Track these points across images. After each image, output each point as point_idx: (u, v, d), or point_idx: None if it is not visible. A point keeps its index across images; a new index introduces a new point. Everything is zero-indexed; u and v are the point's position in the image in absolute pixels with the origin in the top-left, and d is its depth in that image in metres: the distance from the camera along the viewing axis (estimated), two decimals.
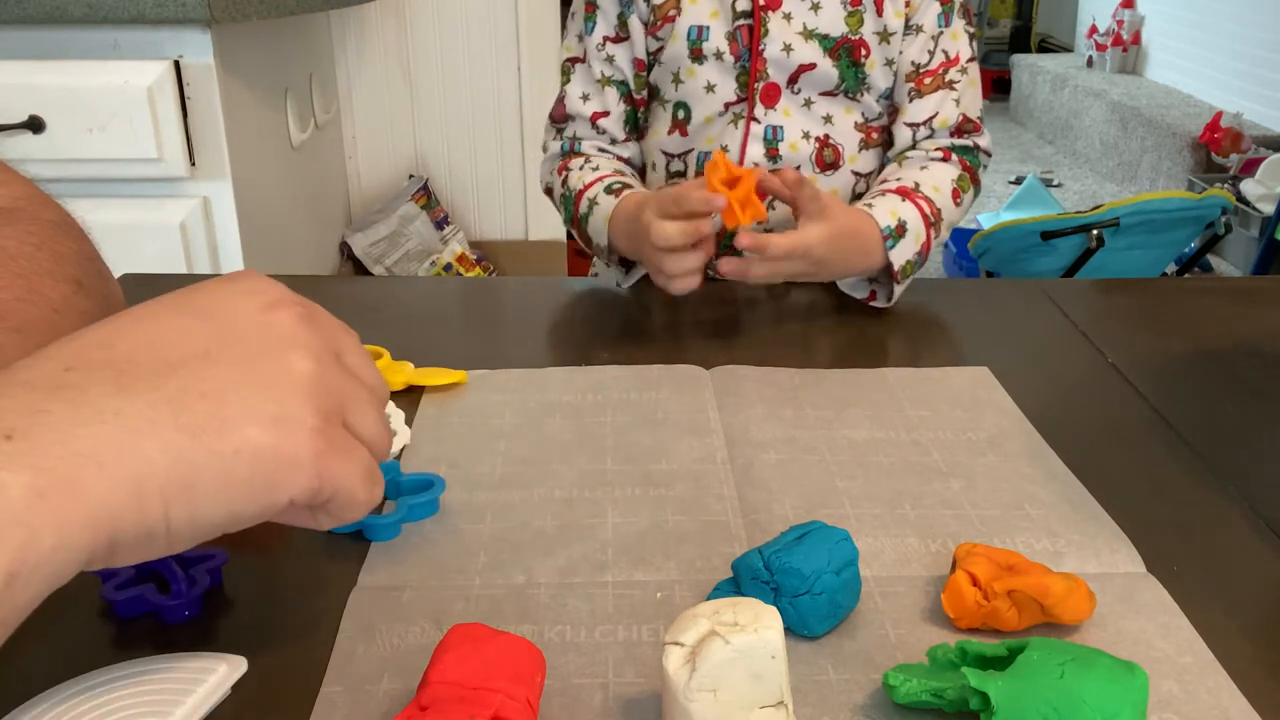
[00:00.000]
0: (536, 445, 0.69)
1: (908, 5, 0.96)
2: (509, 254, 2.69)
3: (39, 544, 0.33)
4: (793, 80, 0.96)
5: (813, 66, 0.95)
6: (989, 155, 1.02)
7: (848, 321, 0.90)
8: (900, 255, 0.90)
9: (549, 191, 1.03)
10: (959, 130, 0.99)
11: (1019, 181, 3.86)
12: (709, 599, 0.48)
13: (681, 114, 0.99)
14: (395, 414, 0.72)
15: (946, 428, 0.72)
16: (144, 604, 0.53)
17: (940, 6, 0.97)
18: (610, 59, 0.99)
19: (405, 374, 0.77)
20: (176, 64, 1.57)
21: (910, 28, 0.97)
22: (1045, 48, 5.79)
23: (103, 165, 1.59)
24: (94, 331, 0.38)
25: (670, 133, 1.01)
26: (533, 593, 0.55)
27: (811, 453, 0.68)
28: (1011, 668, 0.44)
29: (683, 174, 1.02)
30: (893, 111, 1.01)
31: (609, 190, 0.94)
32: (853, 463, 0.67)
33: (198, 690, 0.45)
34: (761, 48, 0.95)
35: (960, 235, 2.90)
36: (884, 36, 0.96)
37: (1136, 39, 4.69)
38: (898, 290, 0.92)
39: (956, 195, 0.97)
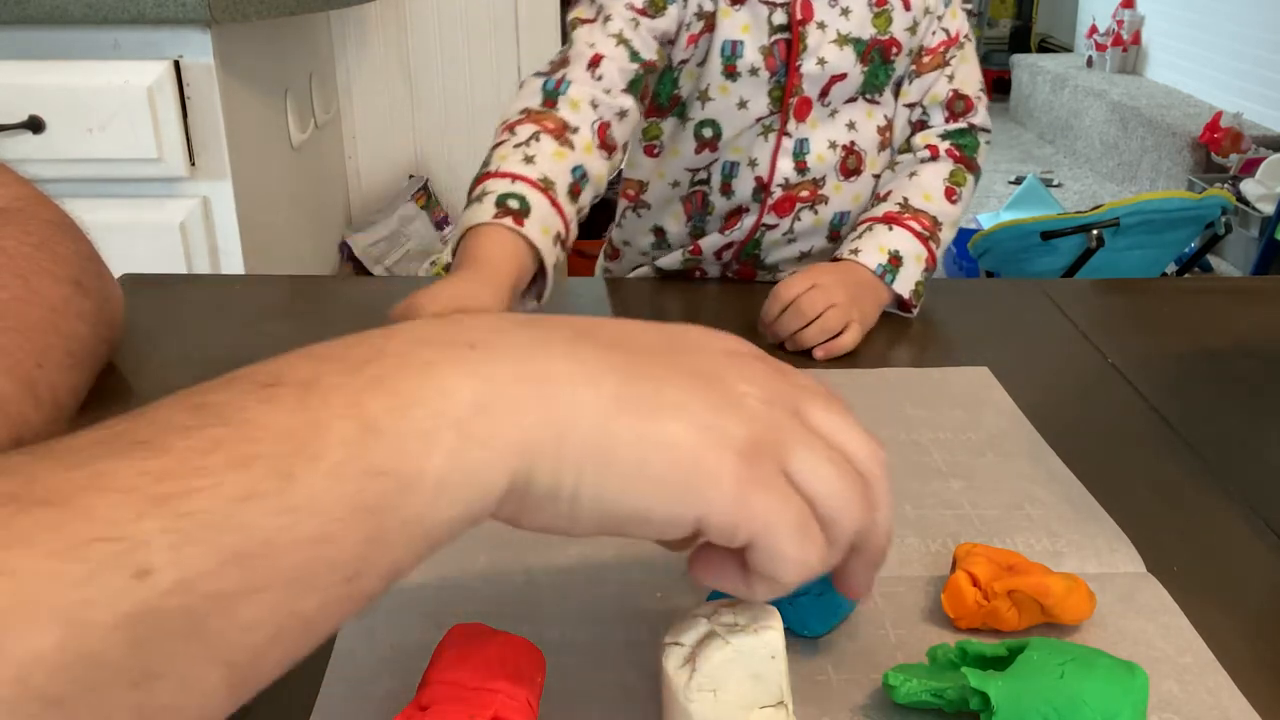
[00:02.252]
0: None
1: None
2: None
3: (470, 456, 0.32)
4: (824, 93, 0.94)
5: (844, 76, 0.93)
6: (988, 132, 1.00)
7: None
8: (904, 284, 0.91)
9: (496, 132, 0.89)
10: (951, 109, 0.98)
11: (1019, 181, 3.86)
12: (709, 599, 0.48)
13: (709, 132, 0.96)
14: None
15: (946, 428, 0.72)
16: None
17: None
18: (635, 23, 0.90)
19: None
20: (176, 64, 1.57)
21: (928, 14, 0.96)
22: (1045, 48, 5.79)
23: (102, 165, 1.59)
24: (557, 316, 0.40)
25: (698, 151, 0.98)
26: (533, 593, 0.55)
27: None
28: (1011, 668, 0.44)
29: (706, 182, 1.00)
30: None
31: (500, 203, 0.80)
32: None
33: None
34: (799, 64, 0.92)
35: (960, 235, 2.88)
36: (913, 30, 0.95)
37: (1136, 39, 4.70)
38: (915, 310, 0.93)
39: (951, 194, 0.96)
